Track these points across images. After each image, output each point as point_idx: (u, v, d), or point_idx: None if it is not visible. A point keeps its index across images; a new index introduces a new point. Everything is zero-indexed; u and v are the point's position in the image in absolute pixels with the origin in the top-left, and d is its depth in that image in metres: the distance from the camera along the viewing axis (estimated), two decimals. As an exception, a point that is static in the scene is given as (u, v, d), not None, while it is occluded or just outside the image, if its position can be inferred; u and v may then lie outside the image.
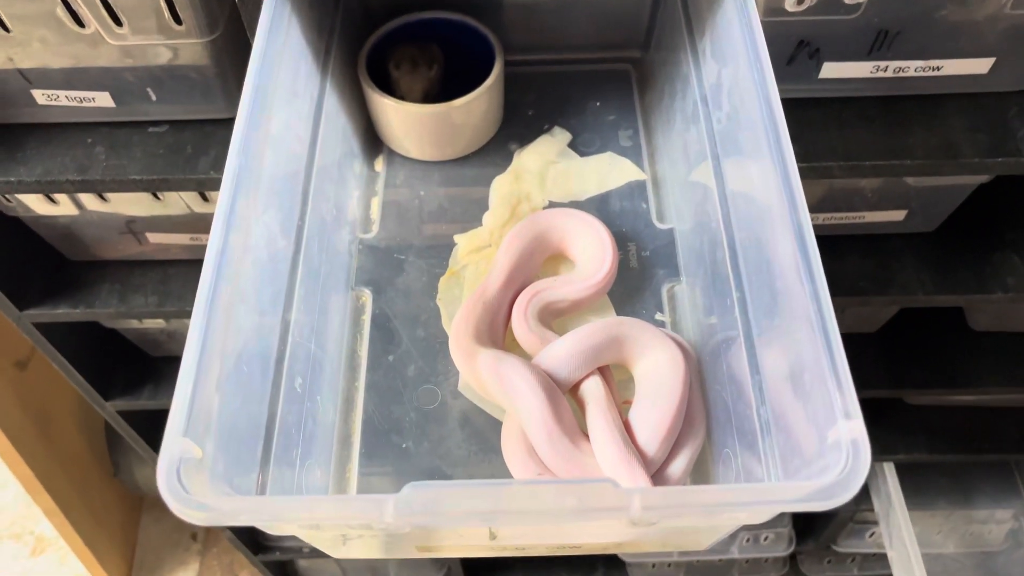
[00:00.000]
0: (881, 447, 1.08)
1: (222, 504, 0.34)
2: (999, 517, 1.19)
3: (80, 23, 0.57)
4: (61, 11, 0.56)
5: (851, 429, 0.34)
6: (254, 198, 0.44)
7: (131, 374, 0.96)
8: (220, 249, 0.40)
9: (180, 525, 1.59)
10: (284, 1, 0.50)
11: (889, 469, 1.10)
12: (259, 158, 0.44)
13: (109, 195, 0.71)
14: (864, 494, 1.20)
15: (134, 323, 0.91)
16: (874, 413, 1.08)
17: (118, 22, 0.56)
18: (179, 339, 0.95)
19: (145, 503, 1.60)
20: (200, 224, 0.75)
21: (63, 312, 0.79)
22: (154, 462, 1.06)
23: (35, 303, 0.79)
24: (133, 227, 0.76)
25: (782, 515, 1.32)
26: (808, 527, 1.35)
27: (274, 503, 0.35)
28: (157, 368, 0.97)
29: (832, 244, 0.78)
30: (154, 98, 0.63)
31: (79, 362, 0.87)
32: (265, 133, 0.46)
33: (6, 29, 0.57)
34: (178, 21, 0.56)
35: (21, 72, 0.61)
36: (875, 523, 1.26)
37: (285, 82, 0.50)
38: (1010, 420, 1.07)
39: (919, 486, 1.17)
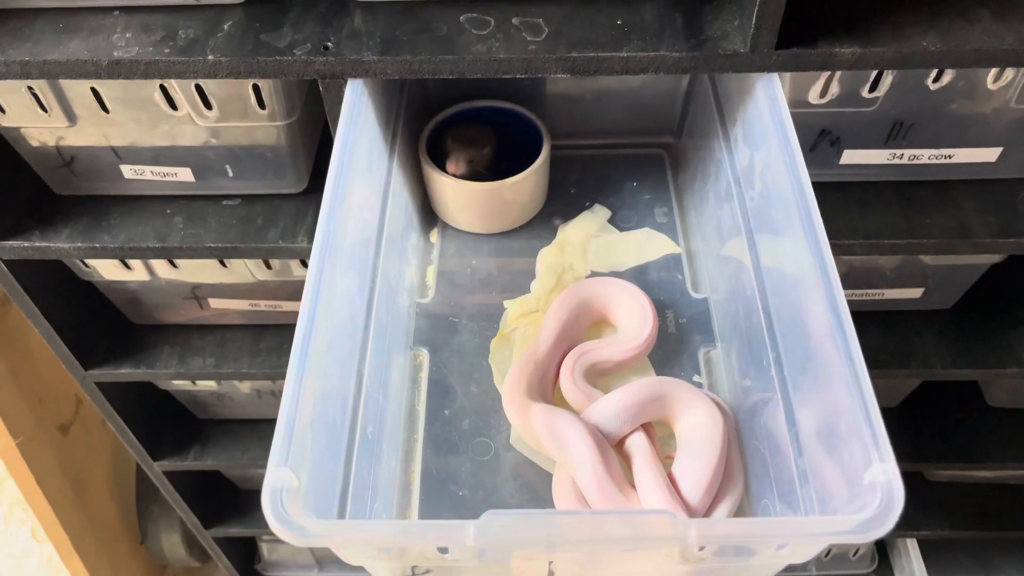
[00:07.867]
0: (904, 523, 1.08)
1: (318, 527, 0.37)
2: (1023, 598, 1.19)
3: (174, 106, 0.63)
4: (158, 95, 0.62)
5: (885, 471, 0.38)
6: (338, 261, 0.49)
7: (179, 435, 1.00)
8: (313, 304, 0.45)
9: (201, 596, 1.59)
10: (362, 90, 0.57)
11: (912, 545, 1.12)
12: (343, 226, 0.50)
13: (180, 262, 0.77)
14: (888, 573, 1.20)
15: (187, 385, 0.96)
16: (896, 489, 1.09)
17: (208, 106, 0.63)
18: (227, 402, 0.99)
19: (168, 572, 1.61)
20: (260, 291, 0.81)
21: (126, 372, 0.83)
22: (191, 523, 1.09)
23: (100, 363, 0.83)
24: (198, 292, 0.81)
25: (806, 594, 1.32)
26: (832, 607, 1.35)
27: (366, 526, 0.39)
28: (204, 430, 1.01)
29: (854, 320, 0.82)
30: (231, 174, 0.69)
31: (132, 422, 0.91)
32: (347, 205, 0.51)
33: (105, 110, 0.64)
34: (262, 106, 0.63)
35: (113, 149, 0.67)
36: (899, 603, 1.26)
37: (361, 160, 0.56)
38: (1030, 497, 1.09)
39: (942, 564, 1.18)
